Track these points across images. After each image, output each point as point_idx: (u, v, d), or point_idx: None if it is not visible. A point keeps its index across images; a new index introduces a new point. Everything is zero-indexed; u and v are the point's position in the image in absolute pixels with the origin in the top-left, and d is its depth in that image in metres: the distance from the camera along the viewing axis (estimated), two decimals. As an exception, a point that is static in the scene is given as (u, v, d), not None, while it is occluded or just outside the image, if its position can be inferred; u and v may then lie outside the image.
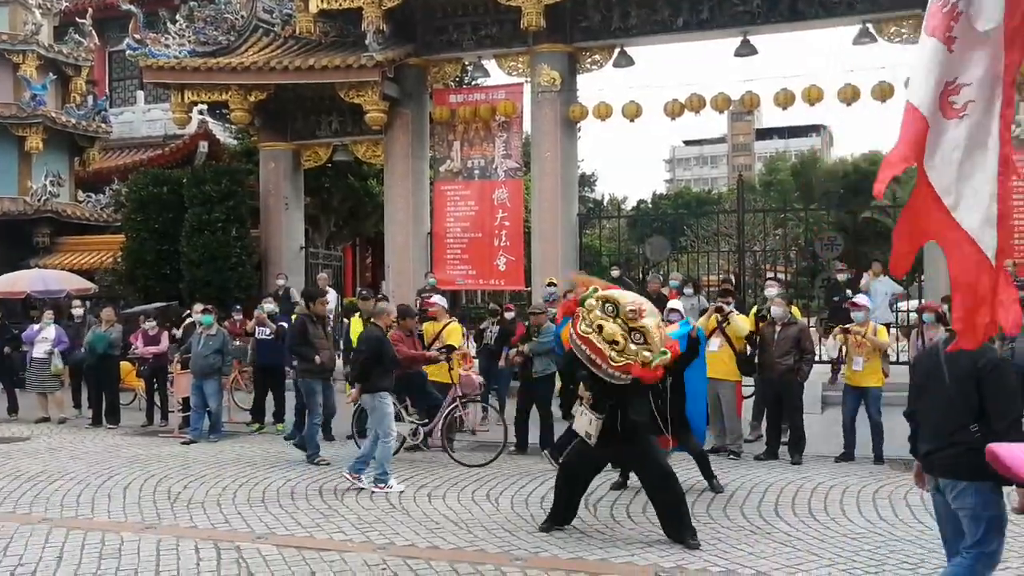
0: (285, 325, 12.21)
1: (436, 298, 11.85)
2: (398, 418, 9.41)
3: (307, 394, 10.05)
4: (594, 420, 6.50)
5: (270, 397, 12.39)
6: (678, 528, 6.49)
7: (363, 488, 8.35)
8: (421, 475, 9.04)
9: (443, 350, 10.31)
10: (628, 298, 6.43)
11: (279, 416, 12.26)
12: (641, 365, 6.19)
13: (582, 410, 6.71)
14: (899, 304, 17.58)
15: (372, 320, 9.21)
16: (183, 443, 11.09)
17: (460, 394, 10.10)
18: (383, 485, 8.30)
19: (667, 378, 7.21)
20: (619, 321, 6.22)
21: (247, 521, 7.31)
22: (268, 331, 12.28)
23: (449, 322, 11.08)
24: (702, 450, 8.44)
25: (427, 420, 10.06)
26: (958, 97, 6.54)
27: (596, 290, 6.51)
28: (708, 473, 8.26)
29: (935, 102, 6.39)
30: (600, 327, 6.18)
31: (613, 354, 6.15)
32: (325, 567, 6.01)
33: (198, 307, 12.91)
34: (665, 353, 6.25)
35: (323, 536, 6.83)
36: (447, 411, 10.00)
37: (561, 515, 6.94)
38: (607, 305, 6.31)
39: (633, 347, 6.18)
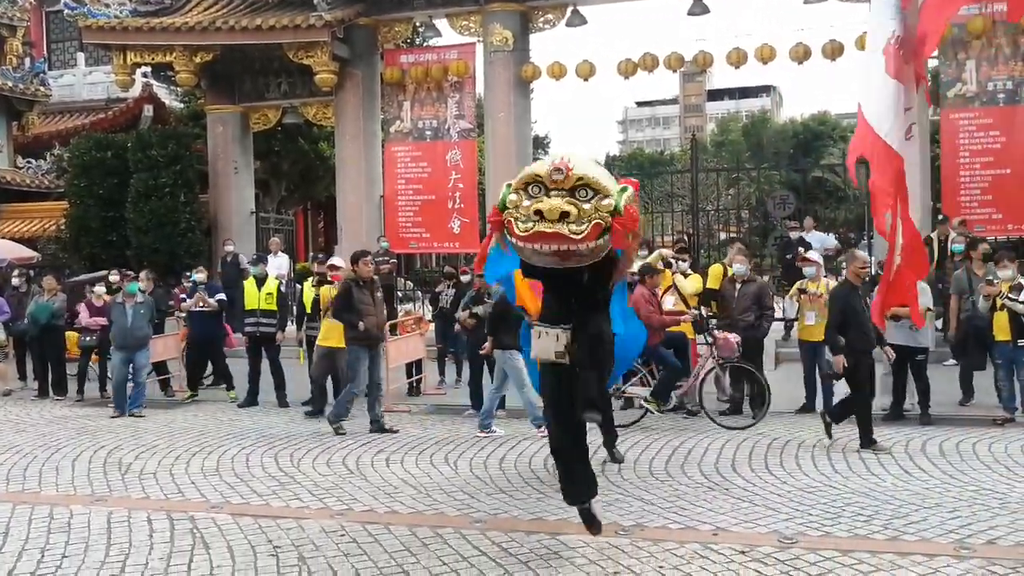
0: (223, 297, 11.92)
1: (339, 262, 11.41)
2: (643, 383, 9.44)
3: (351, 361, 9.60)
4: (560, 334, 5.28)
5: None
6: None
7: (496, 435, 8.91)
8: (379, 440, 8.96)
9: (697, 312, 9.84)
10: (545, 163, 5.00)
11: (229, 382, 11.97)
12: (609, 214, 4.82)
13: (539, 330, 5.44)
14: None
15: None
16: (111, 417, 10.58)
17: (718, 357, 9.49)
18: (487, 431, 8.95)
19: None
20: (554, 192, 4.83)
21: (201, 491, 7.18)
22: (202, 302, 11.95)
23: None
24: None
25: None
26: (906, 121, 7.27)
27: (509, 185, 5.11)
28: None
29: (901, 133, 7.11)
30: (539, 212, 4.78)
31: (572, 227, 4.75)
32: (282, 535, 5.93)
33: (143, 275, 12.58)
34: (626, 188, 5.00)
35: (279, 504, 6.73)
36: (704, 374, 9.54)
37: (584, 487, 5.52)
38: (531, 187, 4.91)
39: (587, 206, 4.80)
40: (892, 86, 7.09)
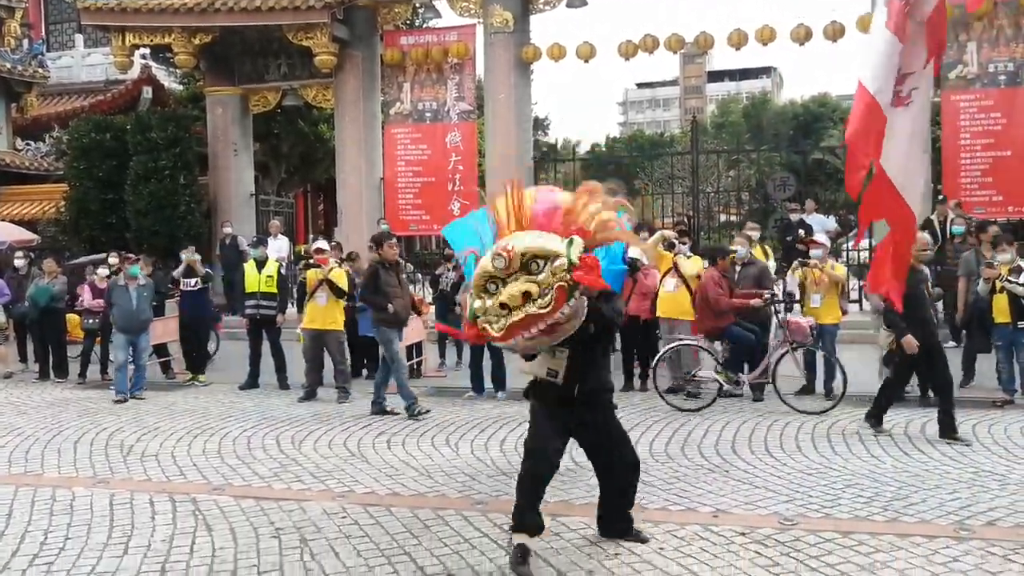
0: (210, 271, 11.95)
1: (324, 245, 11.31)
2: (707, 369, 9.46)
3: (385, 344, 9.53)
4: (557, 352, 5.03)
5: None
6: (626, 521, 5.44)
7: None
8: (380, 422, 8.98)
9: (770, 294, 9.73)
10: (487, 257, 4.72)
11: (200, 368, 12.01)
12: (567, 272, 4.57)
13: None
14: (848, 244, 17.84)
15: None
16: (115, 401, 10.51)
17: (791, 340, 9.28)
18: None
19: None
20: (509, 280, 4.63)
21: (203, 473, 7.20)
22: (193, 282, 11.96)
23: (332, 267, 10.62)
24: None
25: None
26: (903, 87, 7.03)
27: (469, 295, 4.82)
28: None
29: (890, 94, 6.87)
30: (503, 304, 4.59)
31: (539, 303, 4.56)
32: (284, 517, 5.95)
33: (142, 259, 12.54)
34: (572, 240, 4.68)
35: (281, 486, 6.75)
36: (777, 357, 9.35)
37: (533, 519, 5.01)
38: (488, 285, 4.68)
39: (543, 276, 4.58)
40: (887, 39, 6.76)
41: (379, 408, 9.38)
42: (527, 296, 4.56)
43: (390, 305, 9.43)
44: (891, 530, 5.41)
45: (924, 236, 8.97)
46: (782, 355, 9.32)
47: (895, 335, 8.04)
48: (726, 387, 9.38)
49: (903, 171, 6.76)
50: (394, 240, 9.98)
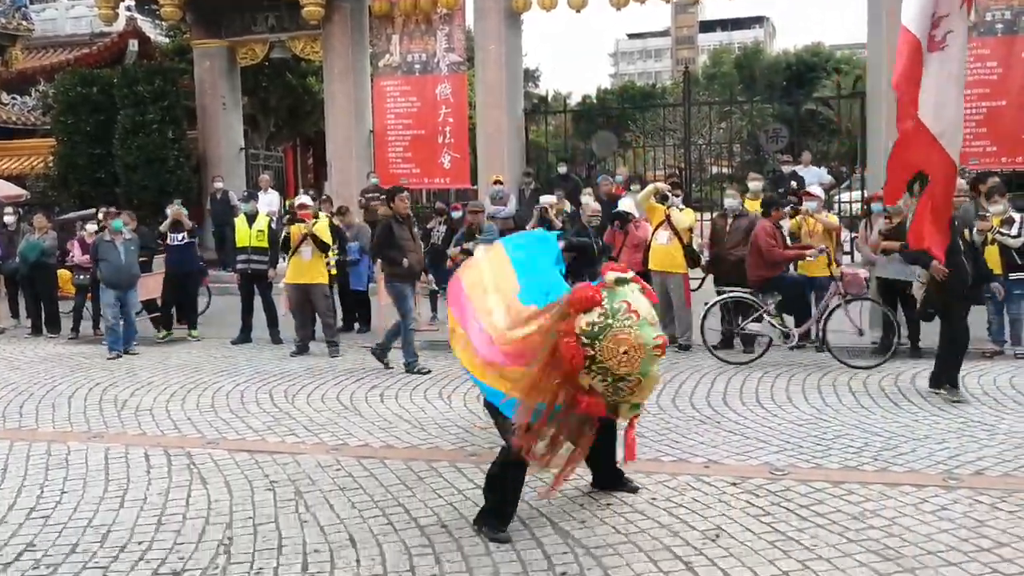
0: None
1: (308, 200, 11.12)
2: (758, 320, 9.26)
3: (398, 299, 9.40)
4: None
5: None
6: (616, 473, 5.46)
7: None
8: (372, 376, 9.01)
9: (820, 249, 9.44)
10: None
11: (192, 323, 11.99)
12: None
13: None
14: (840, 196, 17.81)
15: None
16: (109, 358, 10.43)
17: (844, 292, 9.09)
18: None
19: None
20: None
21: (197, 427, 7.23)
22: (180, 237, 11.88)
23: (316, 221, 10.49)
24: None
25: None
26: (938, 31, 6.85)
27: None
28: None
29: (926, 38, 6.69)
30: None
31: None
32: (279, 470, 5.99)
33: (125, 215, 12.44)
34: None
35: (275, 439, 6.79)
36: (829, 309, 9.26)
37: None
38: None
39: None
40: None
41: (380, 355, 9.36)
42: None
43: (404, 259, 9.33)
44: (881, 479, 5.48)
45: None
46: (834, 308, 9.17)
47: (923, 271, 7.65)
48: (776, 340, 9.25)
49: (940, 119, 6.55)
50: (406, 193, 9.81)
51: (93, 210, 14.27)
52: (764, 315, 9.29)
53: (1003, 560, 4.30)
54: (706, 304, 9.76)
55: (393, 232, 9.40)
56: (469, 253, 9.95)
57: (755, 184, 11.17)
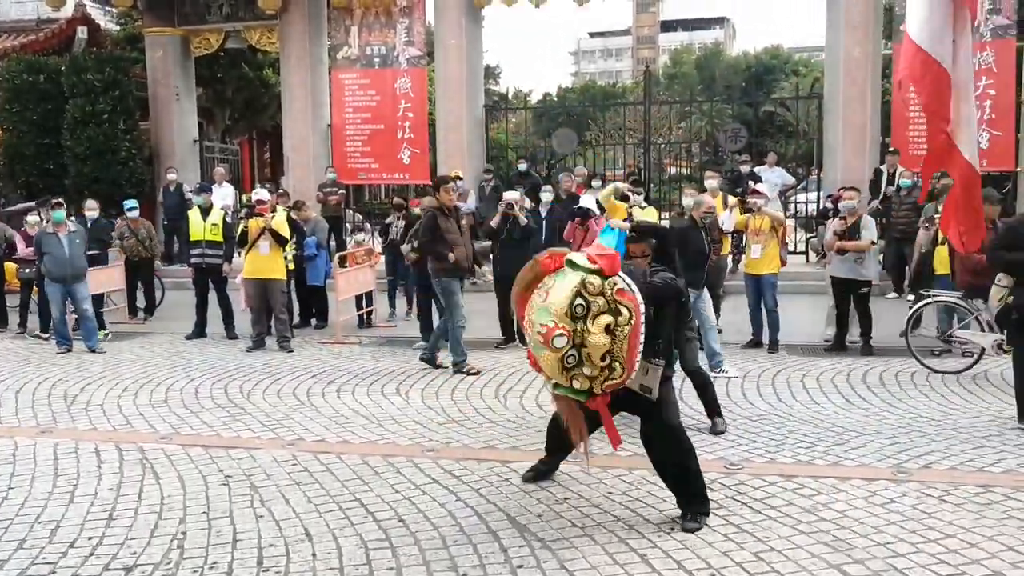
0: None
1: (265, 195, 10.93)
2: (966, 326, 8.49)
3: (446, 295, 8.88)
4: (652, 366, 4.80)
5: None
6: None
7: (731, 377, 8.26)
8: (328, 371, 8.94)
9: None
10: (545, 352, 4.36)
11: (150, 310, 12.05)
12: (602, 278, 4.38)
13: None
14: (796, 197, 18.07)
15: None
16: (58, 353, 10.19)
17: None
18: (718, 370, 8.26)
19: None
20: (579, 336, 4.33)
21: (150, 422, 7.11)
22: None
23: (274, 216, 10.34)
24: None
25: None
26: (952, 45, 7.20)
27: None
28: None
29: (948, 47, 7.04)
30: (607, 354, 4.37)
31: (623, 319, 4.35)
32: (233, 464, 5.91)
33: (90, 204, 12.26)
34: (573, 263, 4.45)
35: (230, 434, 6.70)
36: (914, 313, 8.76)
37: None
38: (568, 361, 4.36)
39: (598, 299, 4.35)
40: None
41: (429, 358, 9.03)
42: (610, 328, 4.30)
43: (451, 254, 8.78)
44: (832, 473, 5.57)
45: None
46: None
47: (1004, 275, 6.89)
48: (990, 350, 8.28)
49: (954, 123, 6.99)
50: (452, 184, 9.30)
51: (40, 200, 13.93)
52: (975, 321, 8.52)
53: (949, 551, 4.39)
54: (912, 307, 9.04)
55: (439, 224, 8.82)
56: (419, 251, 9.87)
57: (711, 183, 11.28)
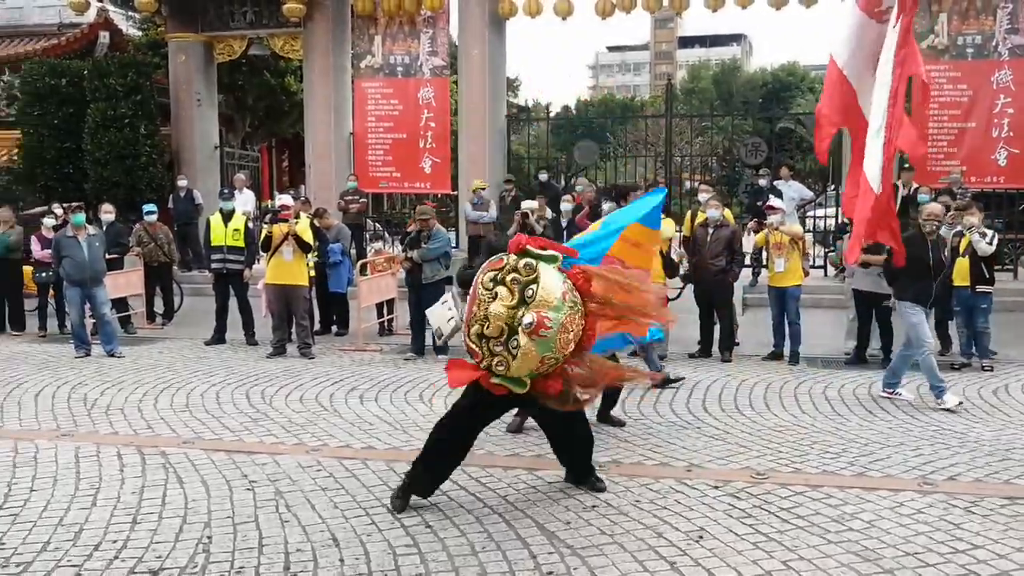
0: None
1: (288, 200, 11.01)
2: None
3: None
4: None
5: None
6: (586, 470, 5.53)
7: (903, 398, 7.80)
8: (351, 378, 8.94)
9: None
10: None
11: (168, 315, 12.12)
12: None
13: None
14: (815, 212, 17.99)
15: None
16: (77, 357, 10.20)
17: None
18: (940, 399, 7.63)
19: None
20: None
21: (172, 427, 7.12)
22: None
23: (298, 221, 10.32)
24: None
25: None
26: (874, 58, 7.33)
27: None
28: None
29: (868, 68, 7.20)
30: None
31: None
32: (257, 470, 5.91)
33: (106, 207, 12.35)
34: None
35: (253, 440, 6.69)
36: None
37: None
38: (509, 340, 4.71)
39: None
40: (856, 17, 7.29)
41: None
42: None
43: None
44: (858, 484, 5.54)
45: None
46: None
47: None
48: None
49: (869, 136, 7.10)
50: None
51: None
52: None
53: (978, 561, 4.36)
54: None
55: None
56: (413, 261, 9.88)
57: (704, 196, 11.22)
